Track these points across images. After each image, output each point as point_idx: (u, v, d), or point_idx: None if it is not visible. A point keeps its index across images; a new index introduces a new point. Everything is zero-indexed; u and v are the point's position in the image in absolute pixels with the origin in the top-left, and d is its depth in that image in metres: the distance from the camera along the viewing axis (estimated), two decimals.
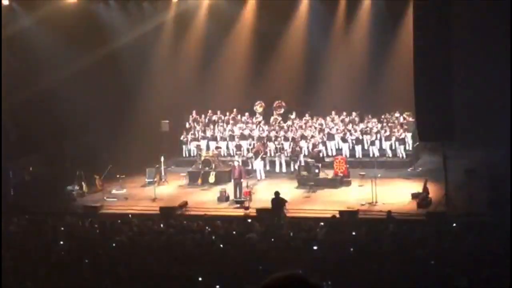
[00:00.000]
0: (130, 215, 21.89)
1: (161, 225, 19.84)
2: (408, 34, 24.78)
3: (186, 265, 14.73)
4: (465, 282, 13.36)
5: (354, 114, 30.85)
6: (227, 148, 30.82)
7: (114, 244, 17.27)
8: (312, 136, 29.43)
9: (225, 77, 32.93)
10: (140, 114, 30.52)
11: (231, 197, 24.88)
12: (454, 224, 19.49)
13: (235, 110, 32.25)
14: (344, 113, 30.98)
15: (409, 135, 28.89)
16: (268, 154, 29.10)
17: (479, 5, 26.04)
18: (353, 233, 17.81)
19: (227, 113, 32.26)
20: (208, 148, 30.19)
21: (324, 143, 29.44)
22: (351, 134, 29.44)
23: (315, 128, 30.31)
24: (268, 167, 28.72)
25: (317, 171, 26.45)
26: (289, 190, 25.18)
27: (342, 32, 31.39)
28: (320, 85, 31.70)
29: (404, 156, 28.80)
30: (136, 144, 29.80)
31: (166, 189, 27.40)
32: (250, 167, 28.51)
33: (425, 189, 23.08)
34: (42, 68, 28.19)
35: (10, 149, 26.92)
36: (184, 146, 31.47)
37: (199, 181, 27.57)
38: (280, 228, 19.25)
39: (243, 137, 30.25)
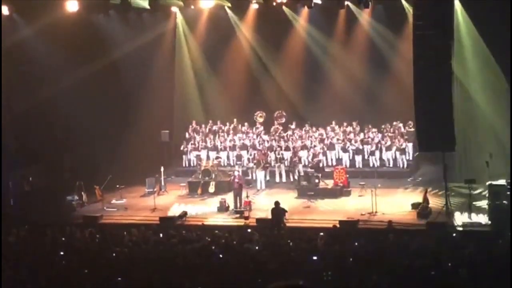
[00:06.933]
0: (128, 226, 21.82)
1: (161, 235, 19.79)
2: (408, 44, 24.75)
3: (185, 275, 14.67)
4: None
5: (354, 124, 30.89)
6: (228, 158, 30.85)
7: (114, 254, 17.22)
8: (314, 146, 29.46)
9: (225, 87, 32.98)
10: (140, 124, 30.52)
11: (231, 207, 24.84)
12: (454, 234, 19.48)
13: (235, 120, 32.30)
14: (345, 123, 31.02)
15: (410, 145, 28.91)
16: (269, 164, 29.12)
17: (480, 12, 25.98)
18: (353, 243, 17.77)
19: (227, 123, 32.31)
20: (208, 158, 30.20)
21: (324, 153, 29.46)
22: (351, 144, 29.46)
23: (315, 138, 30.32)
24: (268, 177, 28.73)
25: (317, 181, 26.45)
26: (289, 200, 25.17)
27: (342, 41, 31.39)
28: (321, 95, 31.73)
29: (405, 166, 28.79)
30: (136, 154, 29.79)
31: (166, 199, 27.39)
32: (250, 177, 28.53)
33: (425, 199, 23.05)
34: (42, 79, 28.16)
35: (9, 159, 26.88)
36: (184, 156, 31.51)
37: (199, 191, 27.57)
38: (279, 238, 19.19)
39: (243, 147, 30.28)
